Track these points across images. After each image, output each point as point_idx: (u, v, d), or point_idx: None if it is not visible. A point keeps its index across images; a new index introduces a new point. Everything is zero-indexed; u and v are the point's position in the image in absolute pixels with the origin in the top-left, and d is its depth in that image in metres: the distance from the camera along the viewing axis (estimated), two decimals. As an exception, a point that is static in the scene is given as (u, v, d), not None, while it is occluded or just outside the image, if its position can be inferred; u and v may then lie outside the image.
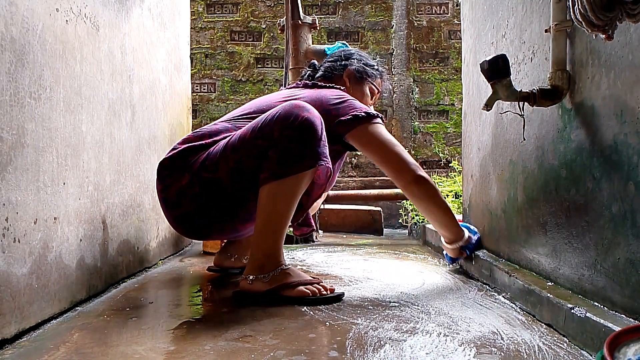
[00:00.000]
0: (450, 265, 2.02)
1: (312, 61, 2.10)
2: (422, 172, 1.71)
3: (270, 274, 1.48)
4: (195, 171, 1.57)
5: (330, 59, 2.01)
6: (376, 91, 2.02)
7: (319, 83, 1.87)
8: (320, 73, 1.99)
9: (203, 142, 1.61)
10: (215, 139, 1.62)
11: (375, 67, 2.03)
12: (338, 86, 1.86)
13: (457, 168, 3.66)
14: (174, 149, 1.66)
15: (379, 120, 1.74)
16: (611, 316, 1.02)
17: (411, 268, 2.06)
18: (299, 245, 2.76)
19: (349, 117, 1.68)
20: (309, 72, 2.03)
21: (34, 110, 1.18)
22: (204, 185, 1.56)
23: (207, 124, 4.59)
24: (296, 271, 1.54)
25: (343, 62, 1.98)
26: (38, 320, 1.20)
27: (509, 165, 1.62)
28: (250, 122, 1.61)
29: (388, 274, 1.92)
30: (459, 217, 2.56)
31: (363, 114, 1.69)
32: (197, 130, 1.70)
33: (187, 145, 1.63)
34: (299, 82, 1.92)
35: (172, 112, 2.44)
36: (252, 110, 1.70)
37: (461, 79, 2.29)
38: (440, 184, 3.50)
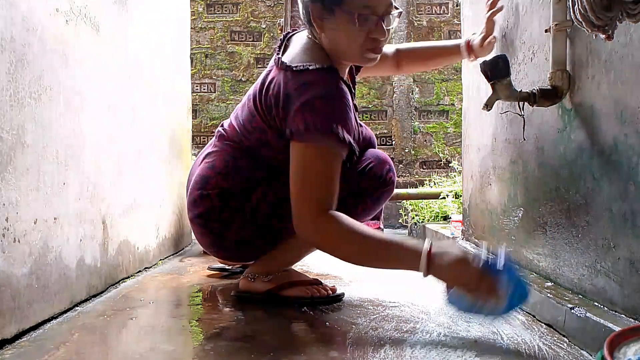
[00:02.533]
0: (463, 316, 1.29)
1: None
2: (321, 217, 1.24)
3: (271, 275, 1.48)
4: (249, 217, 1.43)
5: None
6: (358, 15, 1.28)
7: (286, 63, 1.34)
8: (294, 39, 1.48)
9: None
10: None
11: None
12: (308, 64, 1.31)
13: (457, 168, 3.66)
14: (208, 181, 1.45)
15: (311, 135, 1.25)
16: (611, 316, 1.02)
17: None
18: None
19: (288, 130, 1.30)
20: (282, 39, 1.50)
21: (34, 110, 1.18)
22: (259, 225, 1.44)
23: (207, 124, 4.61)
24: (296, 272, 1.54)
25: (302, 3, 1.37)
26: (38, 321, 1.20)
27: (509, 165, 1.62)
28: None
29: (388, 274, 1.92)
30: (459, 217, 2.56)
31: (293, 129, 1.28)
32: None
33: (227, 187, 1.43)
34: (276, 57, 1.42)
35: (172, 112, 2.44)
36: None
37: (461, 79, 2.28)
38: (440, 184, 3.50)
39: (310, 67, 1.30)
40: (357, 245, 1.23)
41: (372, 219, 1.61)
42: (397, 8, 1.35)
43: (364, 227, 1.25)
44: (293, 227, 1.41)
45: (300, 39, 1.45)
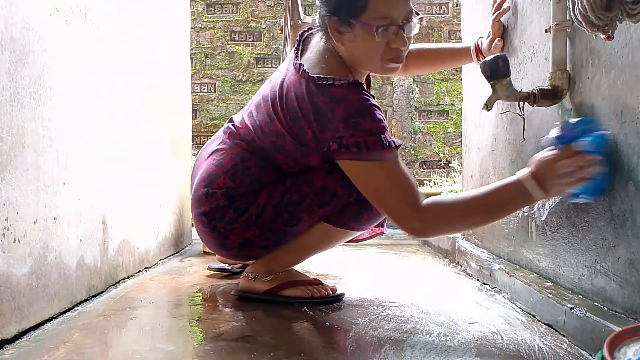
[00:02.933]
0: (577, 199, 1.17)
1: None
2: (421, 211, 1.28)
3: (271, 274, 1.48)
4: (254, 219, 1.43)
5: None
6: (377, 28, 1.25)
7: (308, 72, 1.33)
8: (310, 42, 1.46)
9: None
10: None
11: None
12: (331, 78, 1.30)
13: (457, 168, 3.66)
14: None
15: (372, 154, 1.26)
16: (611, 316, 1.02)
17: (411, 268, 2.06)
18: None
19: (337, 147, 1.29)
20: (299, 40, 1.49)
21: (34, 110, 1.18)
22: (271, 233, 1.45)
23: (207, 124, 4.61)
24: (297, 271, 1.54)
25: (319, 14, 1.36)
26: (38, 320, 1.20)
27: (509, 165, 1.62)
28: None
29: (388, 274, 1.92)
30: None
31: (350, 151, 1.27)
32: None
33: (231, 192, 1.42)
34: (294, 61, 1.40)
35: (172, 112, 2.43)
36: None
37: (461, 79, 2.29)
38: (440, 184, 3.51)
39: (335, 83, 1.30)
40: (468, 215, 1.28)
41: (376, 225, 1.60)
42: (417, 14, 1.32)
43: (458, 196, 1.34)
44: (297, 230, 1.43)
45: (316, 43, 1.43)
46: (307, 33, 1.50)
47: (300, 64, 1.37)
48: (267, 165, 1.43)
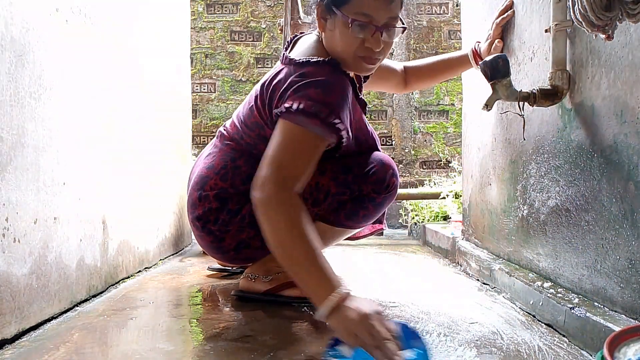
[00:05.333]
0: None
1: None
2: (272, 189, 1.13)
3: (271, 275, 1.48)
4: (248, 221, 1.42)
5: None
6: (352, 21, 1.24)
7: (291, 57, 1.35)
8: (302, 39, 1.48)
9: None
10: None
11: None
12: (310, 57, 1.32)
13: (457, 168, 3.66)
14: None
15: (296, 116, 1.21)
16: (611, 316, 1.02)
17: (411, 268, 2.06)
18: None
19: (277, 110, 1.27)
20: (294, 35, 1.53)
21: (34, 110, 1.18)
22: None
23: (207, 124, 4.61)
24: (296, 271, 1.53)
25: (312, 2, 1.37)
26: (38, 320, 1.20)
27: (509, 165, 1.62)
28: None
29: (388, 274, 1.92)
30: (459, 217, 2.56)
31: (282, 108, 1.24)
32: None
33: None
34: (282, 56, 1.42)
35: (172, 112, 2.43)
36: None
37: (461, 79, 2.28)
38: (440, 184, 3.50)
39: (312, 60, 1.30)
40: (286, 239, 1.10)
41: (375, 222, 1.60)
42: (402, 23, 1.30)
43: (308, 229, 1.10)
44: None
45: (308, 39, 1.45)
46: (300, 36, 1.51)
47: (286, 55, 1.37)
48: (257, 162, 1.42)
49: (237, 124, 1.48)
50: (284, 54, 1.40)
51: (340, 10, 1.25)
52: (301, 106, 1.21)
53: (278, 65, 1.41)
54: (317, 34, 1.40)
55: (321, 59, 1.30)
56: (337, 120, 1.23)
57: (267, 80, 1.39)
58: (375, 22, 1.25)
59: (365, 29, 1.26)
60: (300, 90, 1.24)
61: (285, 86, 1.28)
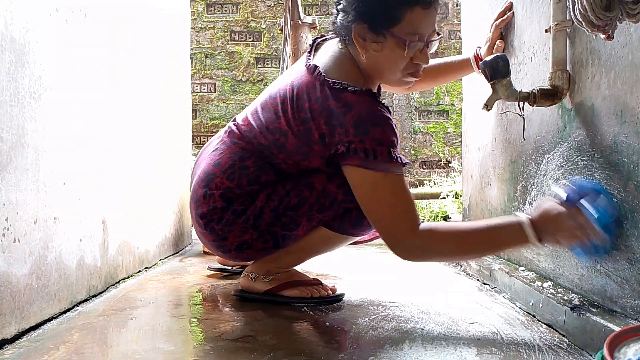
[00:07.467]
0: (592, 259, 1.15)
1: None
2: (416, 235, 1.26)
3: (271, 275, 1.48)
4: (252, 222, 1.42)
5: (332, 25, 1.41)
6: (409, 43, 1.26)
7: (324, 75, 1.34)
8: (324, 46, 1.46)
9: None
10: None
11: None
12: (346, 84, 1.31)
13: (457, 168, 3.66)
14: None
15: (379, 164, 1.25)
16: (611, 316, 1.02)
17: (411, 268, 2.06)
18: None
19: (345, 150, 1.28)
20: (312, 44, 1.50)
21: (34, 110, 1.18)
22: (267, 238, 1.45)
23: (207, 124, 4.61)
24: (297, 272, 1.54)
25: (342, 19, 1.34)
26: (38, 320, 1.20)
27: (509, 165, 1.62)
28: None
29: (388, 275, 1.92)
30: (458, 217, 2.56)
31: (355, 155, 1.27)
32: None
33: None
34: (308, 63, 1.40)
35: (172, 112, 2.44)
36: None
37: (461, 79, 2.28)
38: (440, 184, 3.51)
39: (349, 88, 1.30)
40: (462, 246, 1.27)
41: None
42: (439, 34, 1.34)
43: (456, 225, 1.31)
44: (295, 234, 1.42)
45: (331, 47, 1.43)
46: (320, 39, 1.50)
47: (316, 66, 1.36)
48: (266, 164, 1.43)
49: (253, 123, 1.45)
50: (310, 63, 1.38)
51: (391, 32, 1.27)
52: (378, 153, 1.26)
53: (302, 73, 1.39)
54: (341, 44, 1.39)
55: (357, 88, 1.31)
56: (402, 155, 1.32)
57: (293, 90, 1.37)
58: (423, 38, 1.30)
59: (416, 47, 1.29)
60: (361, 127, 1.27)
61: (330, 113, 1.30)
